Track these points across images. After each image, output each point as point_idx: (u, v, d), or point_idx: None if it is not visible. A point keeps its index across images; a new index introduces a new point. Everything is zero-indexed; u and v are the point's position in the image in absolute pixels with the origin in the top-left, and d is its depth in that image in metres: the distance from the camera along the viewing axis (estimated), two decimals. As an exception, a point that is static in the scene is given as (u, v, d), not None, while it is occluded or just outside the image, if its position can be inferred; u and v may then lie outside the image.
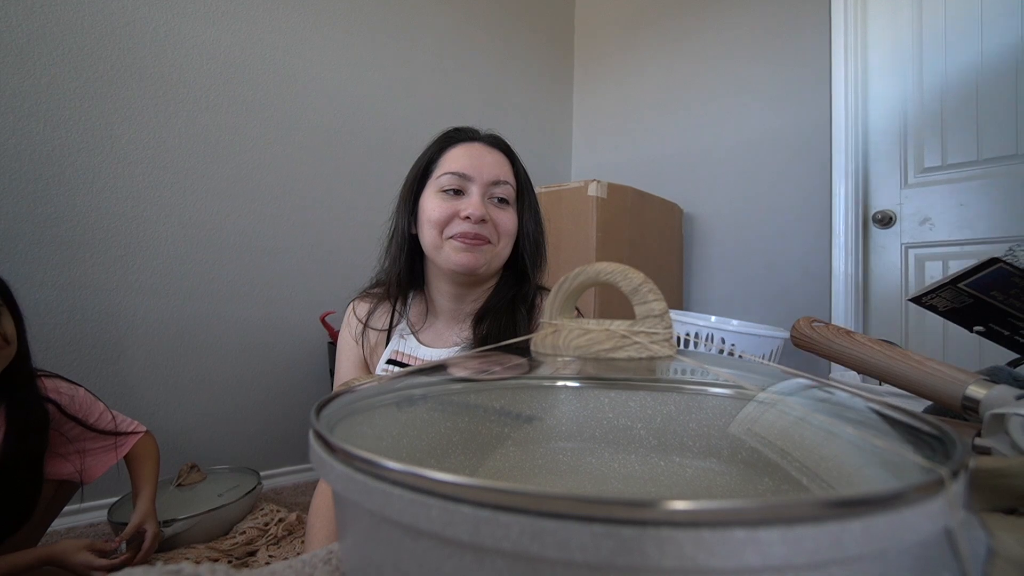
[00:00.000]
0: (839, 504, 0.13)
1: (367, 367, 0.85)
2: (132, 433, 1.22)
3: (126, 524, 1.13)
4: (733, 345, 1.58)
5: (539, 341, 0.33)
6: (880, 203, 1.92)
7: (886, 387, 0.47)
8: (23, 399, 1.03)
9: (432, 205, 0.79)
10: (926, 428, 0.22)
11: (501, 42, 2.50)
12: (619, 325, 0.30)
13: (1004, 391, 0.36)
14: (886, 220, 1.88)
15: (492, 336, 0.80)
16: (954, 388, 0.39)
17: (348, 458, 0.18)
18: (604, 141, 2.70)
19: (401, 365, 0.82)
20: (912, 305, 0.51)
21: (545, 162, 2.69)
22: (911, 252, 1.85)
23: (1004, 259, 0.44)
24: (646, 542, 0.13)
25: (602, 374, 0.31)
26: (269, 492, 1.68)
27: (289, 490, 1.74)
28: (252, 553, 1.32)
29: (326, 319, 1.79)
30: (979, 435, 0.35)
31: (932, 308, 0.53)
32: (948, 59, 1.78)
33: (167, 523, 1.25)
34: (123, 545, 1.11)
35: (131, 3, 1.51)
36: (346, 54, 1.92)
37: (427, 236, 0.80)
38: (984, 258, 0.45)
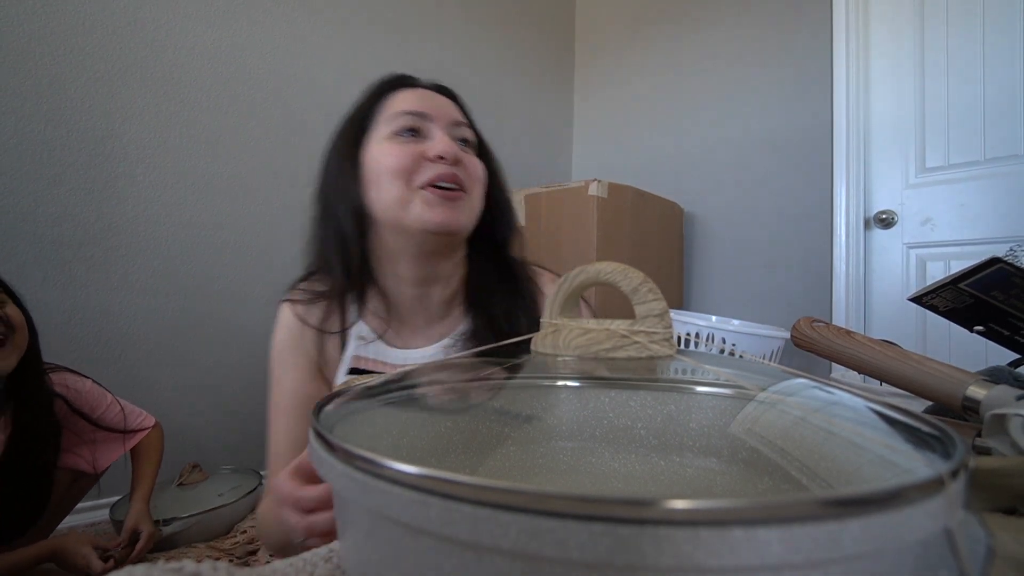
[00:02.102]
0: (837, 503, 0.13)
1: (323, 377, 0.67)
2: (139, 430, 1.22)
3: (122, 521, 1.15)
4: (734, 345, 1.58)
5: (539, 341, 0.33)
6: (881, 203, 1.92)
7: (886, 387, 0.47)
8: (32, 402, 1.03)
9: (387, 151, 0.62)
10: (926, 428, 0.22)
11: (502, 42, 2.50)
12: (619, 325, 0.30)
13: (1004, 391, 0.36)
14: (887, 220, 1.88)
15: (496, 324, 0.67)
16: (954, 388, 0.39)
17: (348, 457, 0.18)
18: (604, 141, 2.70)
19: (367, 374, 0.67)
20: (913, 305, 0.51)
21: (545, 162, 2.69)
22: (912, 252, 1.85)
23: (1004, 259, 0.44)
24: (644, 541, 0.13)
25: (602, 374, 0.31)
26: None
27: (290, 490, 1.74)
28: (253, 552, 1.32)
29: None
30: (979, 435, 0.35)
31: (933, 308, 0.53)
32: (949, 59, 1.78)
33: (167, 522, 1.26)
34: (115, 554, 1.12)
35: (131, 3, 1.51)
36: (346, 54, 1.92)
37: (386, 194, 0.61)
38: (984, 258, 0.45)
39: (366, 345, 0.67)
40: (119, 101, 1.49)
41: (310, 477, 0.43)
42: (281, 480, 0.43)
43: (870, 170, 1.94)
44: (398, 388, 0.32)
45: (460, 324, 0.70)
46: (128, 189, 1.51)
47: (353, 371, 0.66)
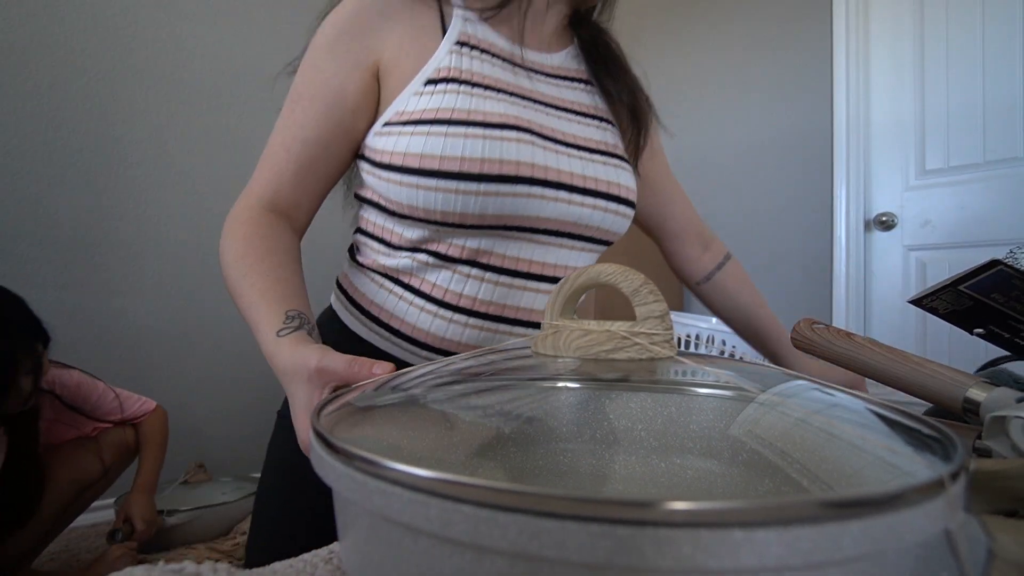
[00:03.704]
0: (837, 505, 0.13)
1: (377, 80, 0.55)
2: (139, 415, 1.23)
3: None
4: (734, 347, 1.58)
5: (539, 342, 0.34)
6: (881, 205, 1.92)
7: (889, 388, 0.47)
8: (24, 415, 1.03)
9: None
10: (927, 430, 0.22)
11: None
12: (619, 326, 0.30)
13: (1005, 393, 0.36)
14: (887, 222, 1.88)
15: (603, 57, 0.64)
16: (955, 390, 0.39)
17: (348, 458, 0.18)
18: (605, 142, 2.70)
19: (478, 52, 0.55)
20: (913, 307, 0.51)
21: (546, 163, 2.69)
22: (912, 254, 1.85)
23: (1004, 261, 0.44)
24: (644, 542, 0.13)
25: (602, 375, 0.31)
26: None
27: (289, 491, 1.75)
28: (252, 554, 1.32)
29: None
30: (980, 437, 0.35)
31: (932, 310, 0.53)
32: (949, 62, 1.78)
33: (170, 513, 1.27)
34: (119, 533, 1.15)
35: (131, 4, 1.51)
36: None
37: None
38: (985, 260, 0.45)
39: (468, 23, 0.56)
40: (119, 101, 1.49)
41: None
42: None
43: (870, 172, 1.94)
44: (398, 389, 0.32)
45: (571, 46, 0.66)
46: (128, 189, 1.51)
47: (461, 44, 0.55)
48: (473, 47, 0.55)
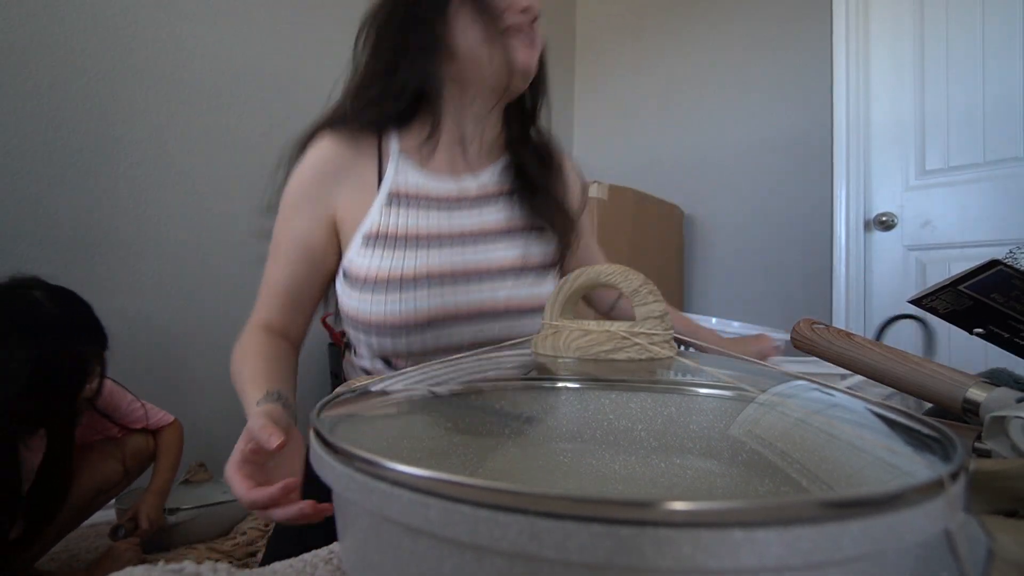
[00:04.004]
0: (837, 505, 0.13)
1: (334, 228, 0.67)
2: (161, 427, 1.26)
3: (127, 510, 1.21)
4: (734, 347, 1.57)
5: (539, 342, 0.34)
6: (881, 205, 1.92)
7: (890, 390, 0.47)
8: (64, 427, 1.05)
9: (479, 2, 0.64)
10: (926, 430, 0.22)
11: (502, 43, 2.50)
12: (619, 326, 0.30)
13: (1004, 394, 0.36)
14: (887, 222, 1.88)
15: (530, 168, 0.72)
16: (954, 390, 0.39)
17: (349, 458, 0.18)
18: (604, 142, 2.70)
19: (405, 200, 0.67)
20: (913, 307, 0.51)
21: (546, 163, 2.69)
22: (912, 254, 1.85)
23: (1004, 261, 0.44)
24: (644, 542, 0.13)
25: (602, 375, 0.31)
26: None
27: (289, 491, 1.75)
28: (253, 554, 1.32)
29: (327, 320, 1.78)
30: (979, 438, 0.35)
31: (932, 310, 0.53)
32: (949, 62, 1.78)
33: (171, 511, 1.28)
34: (121, 530, 1.16)
35: (131, 3, 1.51)
36: (347, 54, 1.92)
37: (477, 29, 0.64)
38: (984, 260, 0.45)
39: (400, 176, 0.67)
40: (119, 101, 1.49)
41: (256, 468, 0.45)
42: (230, 474, 0.45)
43: (870, 172, 1.94)
44: (398, 389, 0.32)
45: (500, 159, 0.74)
46: (128, 189, 1.51)
47: (393, 196, 0.66)
48: (403, 197, 0.66)
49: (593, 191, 1.80)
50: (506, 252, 0.69)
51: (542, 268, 0.71)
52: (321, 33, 1.87)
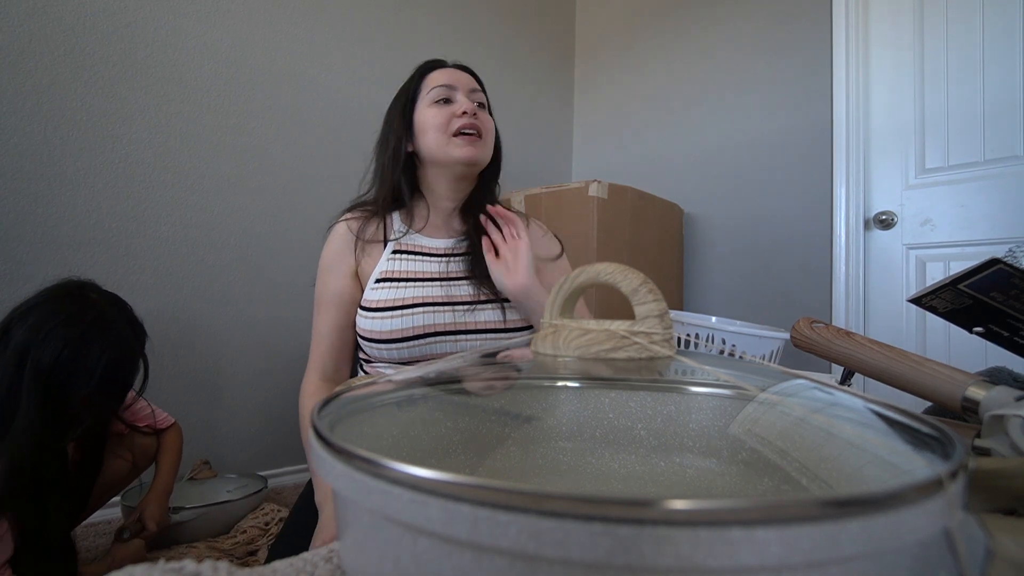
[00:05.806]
0: (836, 504, 0.13)
1: (358, 280, 0.92)
2: (164, 428, 1.28)
3: (133, 508, 1.21)
4: (733, 346, 1.58)
5: (539, 341, 0.34)
6: (881, 204, 1.92)
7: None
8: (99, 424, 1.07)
9: (431, 114, 0.91)
10: (925, 429, 0.22)
11: (501, 42, 2.50)
12: (619, 325, 0.30)
13: (1004, 392, 0.36)
14: (887, 221, 1.88)
15: (478, 228, 0.94)
16: (954, 389, 0.39)
17: (348, 457, 0.18)
18: (605, 141, 2.70)
19: (406, 253, 0.92)
20: (913, 306, 0.52)
21: (545, 162, 2.69)
22: (912, 253, 1.85)
23: (1004, 260, 0.44)
24: (644, 541, 0.13)
25: (602, 374, 0.31)
26: (270, 492, 1.68)
27: (290, 490, 1.74)
28: (253, 553, 1.32)
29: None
30: (979, 436, 0.35)
31: (932, 309, 0.53)
32: (949, 61, 1.78)
33: (176, 510, 1.29)
34: (126, 532, 1.16)
35: (131, 3, 1.51)
36: (346, 54, 1.92)
37: (431, 141, 0.90)
38: (984, 259, 0.45)
39: (403, 240, 0.93)
40: (119, 101, 1.49)
41: None
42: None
43: (870, 171, 1.94)
44: (398, 389, 0.32)
45: (465, 225, 0.97)
46: (128, 189, 1.51)
47: (397, 252, 0.92)
48: (402, 252, 0.92)
49: (593, 190, 1.80)
50: (470, 291, 0.91)
51: (495, 300, 0.92)
52: (322, 33, 1.87)
